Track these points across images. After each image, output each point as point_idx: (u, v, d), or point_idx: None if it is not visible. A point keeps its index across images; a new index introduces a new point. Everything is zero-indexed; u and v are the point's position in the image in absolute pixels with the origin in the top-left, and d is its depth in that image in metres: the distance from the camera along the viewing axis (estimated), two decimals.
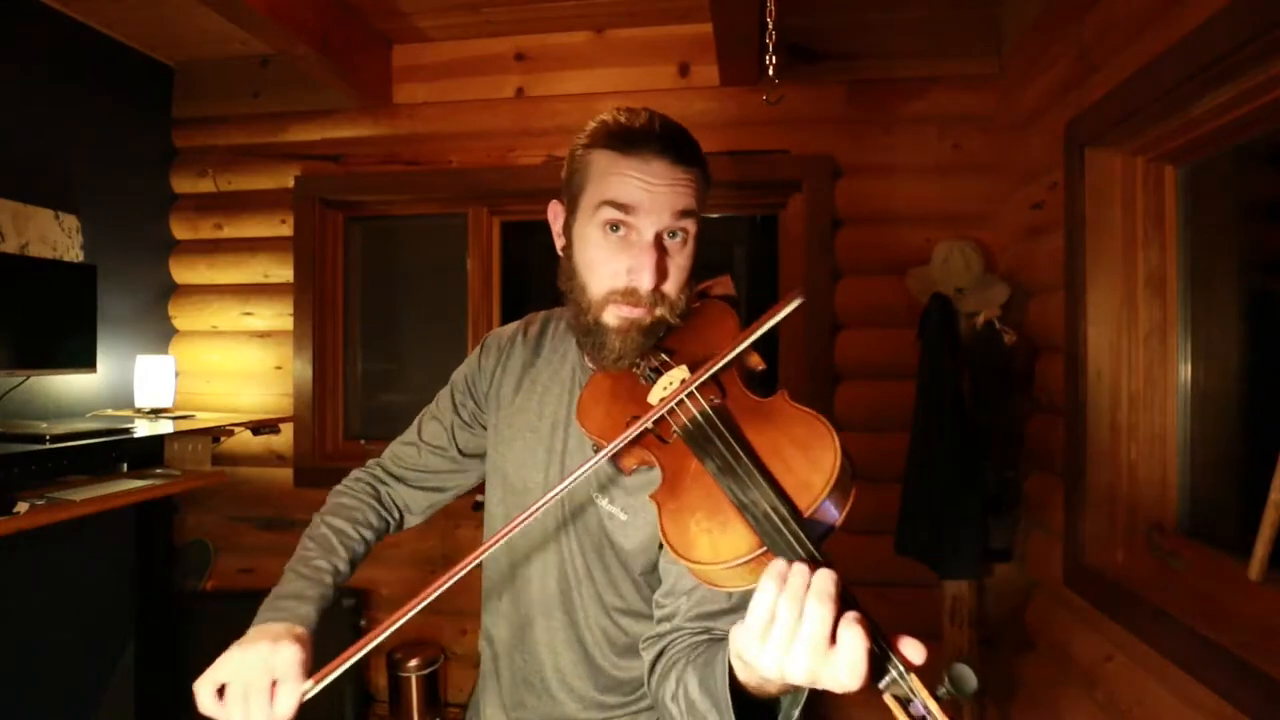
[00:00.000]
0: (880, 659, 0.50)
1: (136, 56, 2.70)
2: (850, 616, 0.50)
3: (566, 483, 0.72)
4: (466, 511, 2.49)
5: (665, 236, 0.84)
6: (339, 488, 1.09)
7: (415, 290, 2.91)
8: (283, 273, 2.77)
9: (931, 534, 2.04)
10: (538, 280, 2.82)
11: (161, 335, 2.84)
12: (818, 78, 2.41)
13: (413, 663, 2.52)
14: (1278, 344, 1.42)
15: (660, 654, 0.81)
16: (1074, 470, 1.72)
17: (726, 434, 0.65)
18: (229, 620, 0.93)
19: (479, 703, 1.09)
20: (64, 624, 2.39)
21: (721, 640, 0.73)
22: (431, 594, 0.73)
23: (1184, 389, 1.61)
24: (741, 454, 0.62)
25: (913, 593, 2.36)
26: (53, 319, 2.25)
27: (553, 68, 2.57)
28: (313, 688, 0.76)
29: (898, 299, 2.32)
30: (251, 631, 0.86)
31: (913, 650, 0.50)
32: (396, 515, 1.09)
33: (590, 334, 0.87)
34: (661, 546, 0.87)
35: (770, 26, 1.79)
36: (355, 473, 1.11)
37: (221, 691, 0.79)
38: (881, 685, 0.50)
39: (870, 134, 2.40)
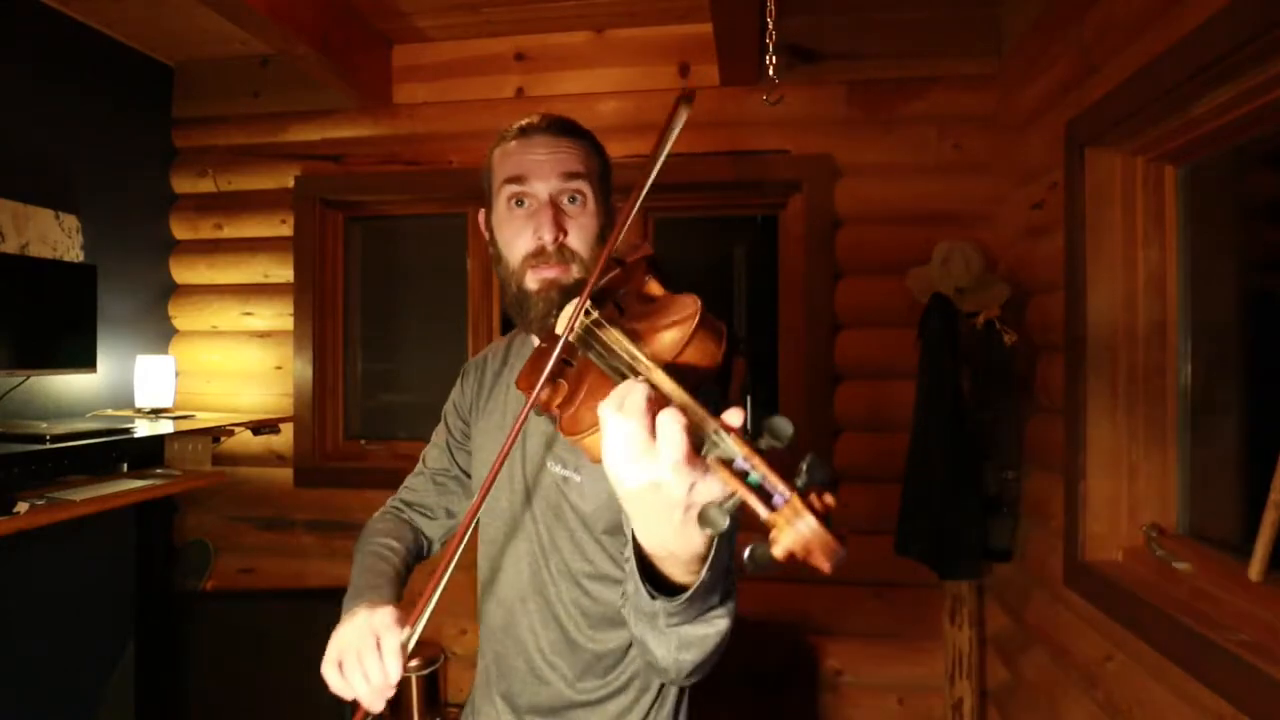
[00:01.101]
0: (700, 433, 0.52)
1: (136, 56, 2.70)
2: (669, 408, 0.53)
3: (508, 442, 0.77)
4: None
5: (564, 201, 0.95)
6: (372, 520, 1.17)
7: (415, 290, 2.91)
8: (283, 273, 2.77)
9: (931, 534, 2.04)
10: None
11: (161, 335, 2.84)
12: (818, 78, 2.41)
13: (413, 663, 2.51)
14: (1278, 344, 1.42)
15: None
16: (1074, 470, 1.72)
17: (606, 324, 0.70)
18: (229, 620, 0.95)
19: (474, 699, 1.10)
20: (64, 624, 2.39)
21: None
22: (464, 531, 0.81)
23: (1184, 389, 1.61)
24: (619, 336, 0.67)
25: (913, 593, 2.36)
26: (53, 319, 2.25)
27: (553, 68, 2.57)
28: (410, 633, 0.85)
29: (898, 299, 2.32)
30: (345, 616, 0.94)
31: (731, 415, 0.52)
32: (426, 541, 1.18)
33: (519, 303, 0.96)
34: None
35: (770, 26, 1.79)
36: (382, 510, 1.20)
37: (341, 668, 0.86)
38: (703, 453, 0.52)
39: (870, 134, 2.40)
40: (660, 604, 0.64)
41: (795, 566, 0.51)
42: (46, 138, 2.37)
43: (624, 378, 0.61)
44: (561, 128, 0.98)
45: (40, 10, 2.35)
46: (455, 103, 2.63)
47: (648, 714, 0.99)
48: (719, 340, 0.65)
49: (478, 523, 1.08)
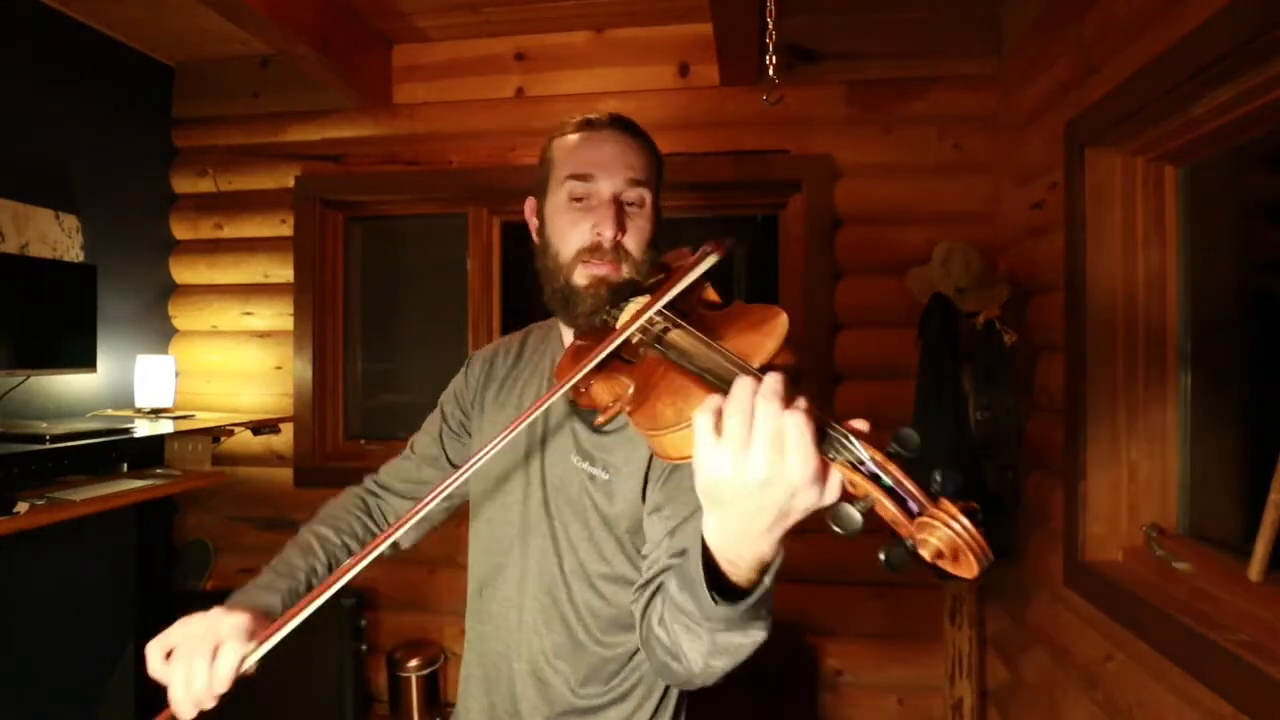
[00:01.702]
0: (827, 432, 0.54)
1: (136, 56, 2.70)
2: (796, 401, 0.53)
3: (537, 408, 0.76)
4: (467, 512, 2.49)
5: (624, 202, 0.94)
6: (329, 501, 1.12)
7: (415, 290, 2.91)
8: (283, 273, 2.77)
9: None
10: (538, 280, 2.82)
11: (161, 335, 2.84)
12: (818, 78, 2.41)
13: (413, 663, 2.52)
14: (1278, 344, 1.42)
15: (651, 596, 0.81)
16: (1074, 470, 1.72)
17: (685, 325, 0.70)
18: None
19: (464, 702, 1.08)
20: (64, 624, 2.39)
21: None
22: (372, 550, 0.77)
23: (1184, 389, 1.61)
24: (699, 334, 0.68)
25: (913, 593, 2.36)
26: (53, 319, 2.25)
27: (553, 68, 2.57)
28: (254, 649, 0.78)
29: (898, 299, 2.32)
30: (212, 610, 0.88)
31: (857, 422, 0.55)
32: (387, 526, 1.11)
33: (564, 297, 0.95)
34: (644, 500, 0.91)
35: (770, 26, 1.79)
36: (350, 487, 1.15)
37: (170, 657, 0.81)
38: (832, 455, 0.54)
39: (870, 134, 2.40)
40: (721, 609, 0.63)
41: (926, 570, 0.54)
42: (46, 138, 2.37)
43: (715, 378, 0.61)
44: (627, 127, 0.98)
45: (40, 10, 2.35)
46: (455, 103, 2.63)
47: (653, 715, 0.98)
48: (802, 350, 0.65)
49: (466, 523, 1.08)
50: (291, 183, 2.74)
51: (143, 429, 2.24)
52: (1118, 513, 1.65)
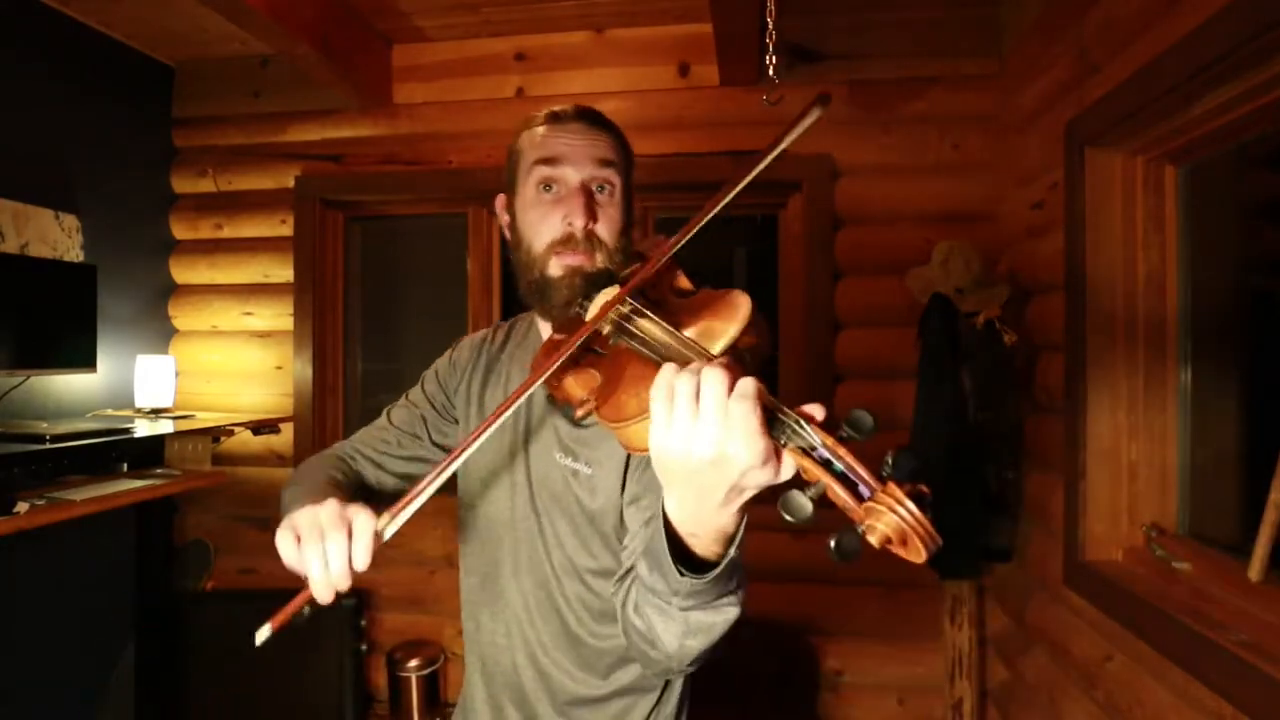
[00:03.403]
0: (778, 416, 0.54)
1: (136, 56, 2.70)
2: (742, 381, 0.53)
3: (512, 404, 0.73)
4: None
5: (593, 189, 0.93)
6: (306, 460, 1.07)
7: (415, 290, 2.91)
8: (283, 273, 2.77)
9: None
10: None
11: (161, 335, 2.84)
12: (818, 78, 2.41)
13: (413, 663, 2.52)
14: (1278, 344, 1.42)
15: (627, 588, 0.80)
16: (1074, 470, 1.72)
17: (649, 313, 0.70)
18: (229, 620, 0.93)
19: (468, 698, 1.09)
20: (64, 624, 2.39)
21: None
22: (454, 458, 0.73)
23: (1184, 389, 1.61)
24: (663, 322, 0.67)
25: (913, 593, 2.36)
26: (53, 319, 2.25)
27: (553, 68, 2.57)
28: (389, 521, 0.72)
29: (898, 299, 2.32)
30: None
31: (812, 408, 0.54)
32: (370, 488, 1.07)
33: (539, 289, 0.94)
34: (625, 491, 0.92)
35: (770, 26, 1.79)
36: (322, 453, 1.09)
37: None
38: (783, 441, 0.53)
39: (870, 134, 2.40)
40: (687, 581, 0.63)
41: (882, 556, 0.52)
42: (46, 138, 2.37)
43: (660, 356, 0.62)
44: (594, 118, 0.97)
45: (40, 10, 2.35)
46: (455, 103, 2.63)
47: (649, 715, 0.99)
48: (766, 334, 0.65)
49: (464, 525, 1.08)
50: (291, 183, 2.74)
51: (143, 429, 2.24)
52: (1118, 513, 1.65)
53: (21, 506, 1.81)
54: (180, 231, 2.86)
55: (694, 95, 2.49)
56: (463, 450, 0.73)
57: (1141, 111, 1.45)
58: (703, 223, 0.75)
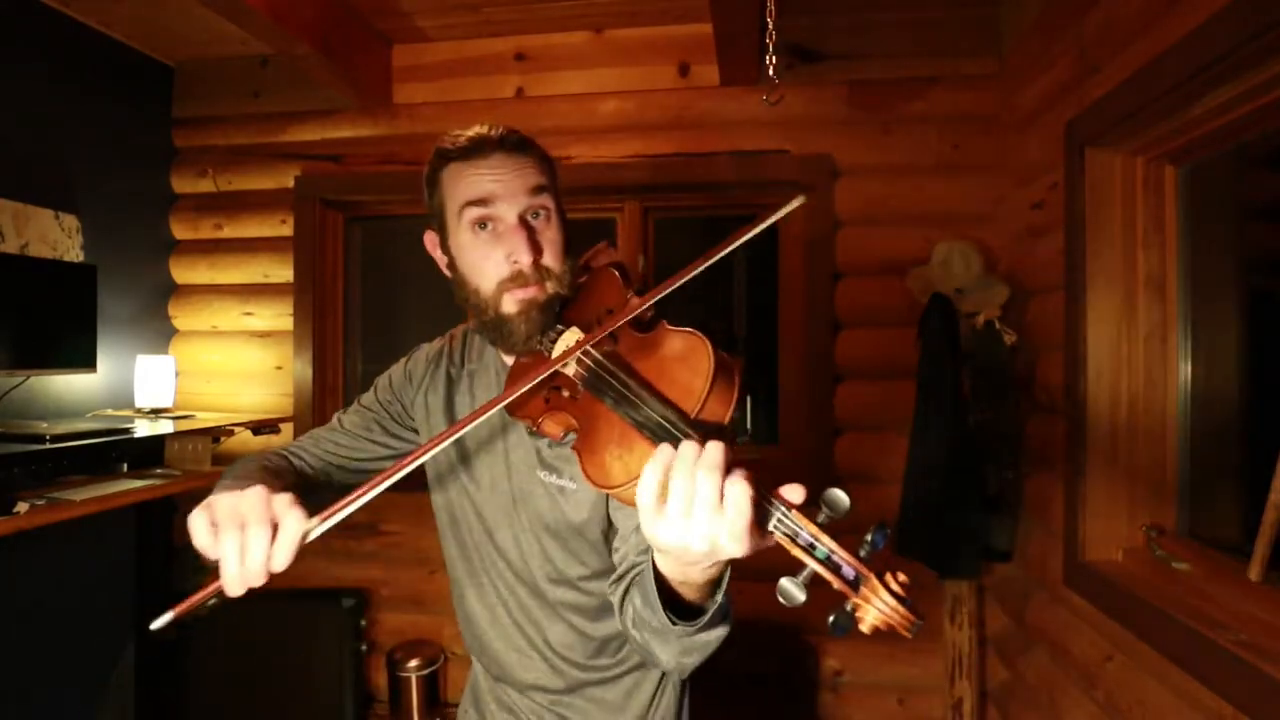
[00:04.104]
0: (765, 507, 0.56)
1: (136, 56, 2.70)
2: (735, 474, 0.55)
3: (471, 421, 0.71)
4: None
5: (529, 218, 0.90)
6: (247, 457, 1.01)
7: (415, 290, 2.91)
8: (283, 273, 2.77)
9: (931, 534, 2.04)
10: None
11: (161, 335, 2.84)
12: (818, 78, 2.41)
13: (413, 663, 2.51)
14: (1278, 344, 1.42)
15: (625, 594, 0.84)
16: (1074, 470, 1.72)
17: (616, 370, 0.70)
18: (229, 621, 0.93)
19: (474, 693, 1.10)
20: (64, 624, 2.39)
21: None
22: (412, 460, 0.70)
23: (1184, 389, 1.61)
24: (631, 382, 0.68)
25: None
26: (53, 319, 2.24)
27: (553, 68, 2.57)
28: (317, 524, 0.67)
29: (898, 299, 2.32)
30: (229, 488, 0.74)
31: (792, 493, 0.56)
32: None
33: (496, 328, 0.91)
34: (609, 499, 0.93)
35: (770, 26, 1.79)
36: (264, 452, 1.03)
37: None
38: (770, 528, 0.56)
39: (870, 134, 2.40)
40: (680, 629, 0.69)
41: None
42: (46, 138, 2.37)
43: (654, 433, 0.62)
44: (515, 143, 0.92)
45: (40, 10, 2.35)
46: (455, 103, 2.63)
47: (657, 687, 1.04)
48: (734, 379, 0.65)
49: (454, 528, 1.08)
50: (291, 183, 2.74)
51: (143, 429, 2.24)
52: (1118, 513, 1.65)
53: (21, 506, 1.81)
54: (180, 231, 2.86)
55: (694, 95, 2.49)
56: (405, 466, 0.70)
57: (1141, 112, 1.45)
58: (670, 289, 0.73)
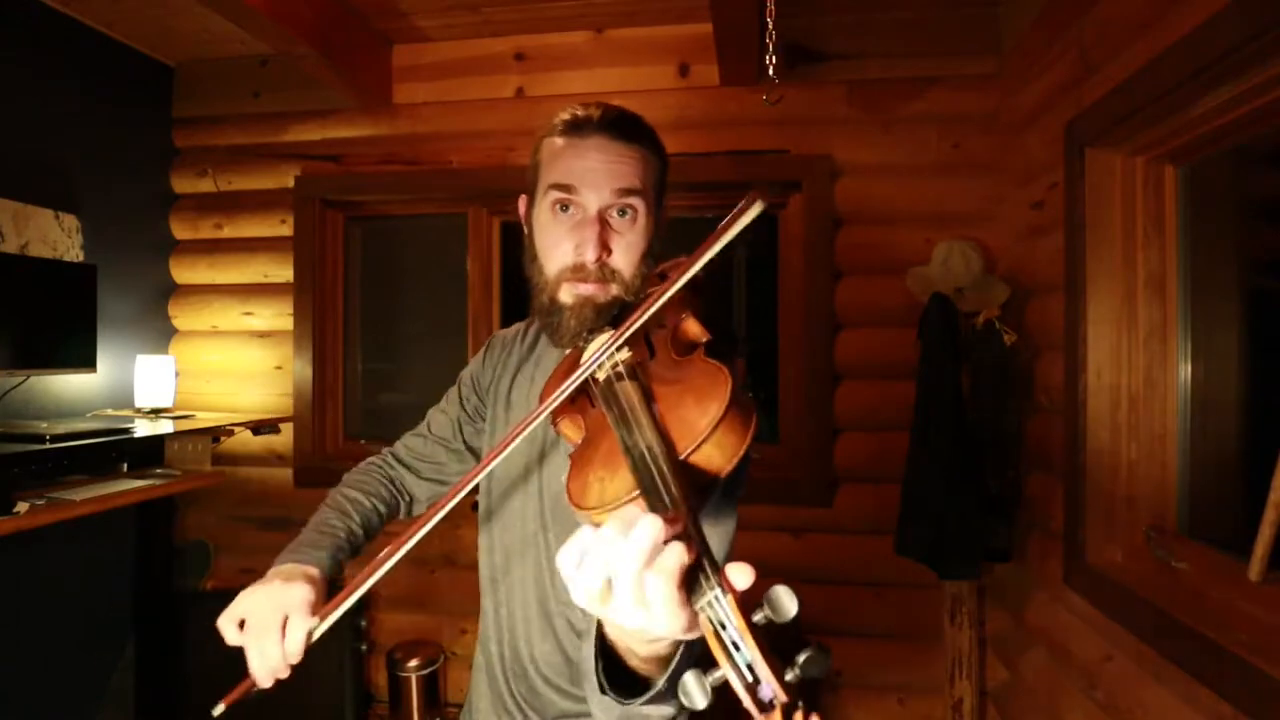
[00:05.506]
0: (699, 584, 0.48)
1: (136, 56, 2.70)
2: (668, 552, 0.47)
3: (506, 445, 0.74)
4: (466, 512, 2.49)
5: (613, 215, 0.87)
6: (352, 470, 1.14)
7: (415, 290, 2.91)
8: (283, 273, 2.77)
9: (931, 534, 2.04)
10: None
11: (161, 335, 2.84)
12: (818, 78, 2.41)
13: (413, 663, 2.51)
14: (1278, 344, 1.42)
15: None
16: (1074, 470, 1.72)
17: (630, 385, 0.66)
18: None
19: (472, 699, 1.10)
20: (64, 624, 2.39)
21: None
22: (407, 542, 0.81)
23: (1184, 389, 1.61)
24: (637, 402, 0.63)
25: (913, 593, 2.36)
26: (53, 319, 2.25)
27: (553, 68, 2.57)
28: (319, 625, 0.82)
29: (898, 299, 2.32)
30: (269, 573, 0.91)
31: (738, 574, 0.47)
32: (406, 498, 1.14)
33: (549, 314, 0.90)
34: None
35: (770, 26, 1.79)
36: (368, 459, 1.16)
37: (243, 626, 0.86)
38: (698, 606, 0.47)
39: (870, 134, 2.40)
40: (609, 698, 0.61)
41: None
42: (46, 138, 2.37)
43: (635, 463, 0.56)
44: (620, 129, 0.88)
45: (40, 10, 2.35)
46: (455, 103, 2.63)
47: None
48: (745, 431, 0.58)
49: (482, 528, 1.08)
50: (291, 183, 2.74)
51: (143, 429, 2.24)
52: (1117, 513, 1.65)
53: (21, 506, 1.81)
54: (180, 231, 2.86)
55: (694, 95, 2.49)
56: (410, 537, 0.76)
57: (1141, 112, 1.45)
58: (651, 310, 0.70)
